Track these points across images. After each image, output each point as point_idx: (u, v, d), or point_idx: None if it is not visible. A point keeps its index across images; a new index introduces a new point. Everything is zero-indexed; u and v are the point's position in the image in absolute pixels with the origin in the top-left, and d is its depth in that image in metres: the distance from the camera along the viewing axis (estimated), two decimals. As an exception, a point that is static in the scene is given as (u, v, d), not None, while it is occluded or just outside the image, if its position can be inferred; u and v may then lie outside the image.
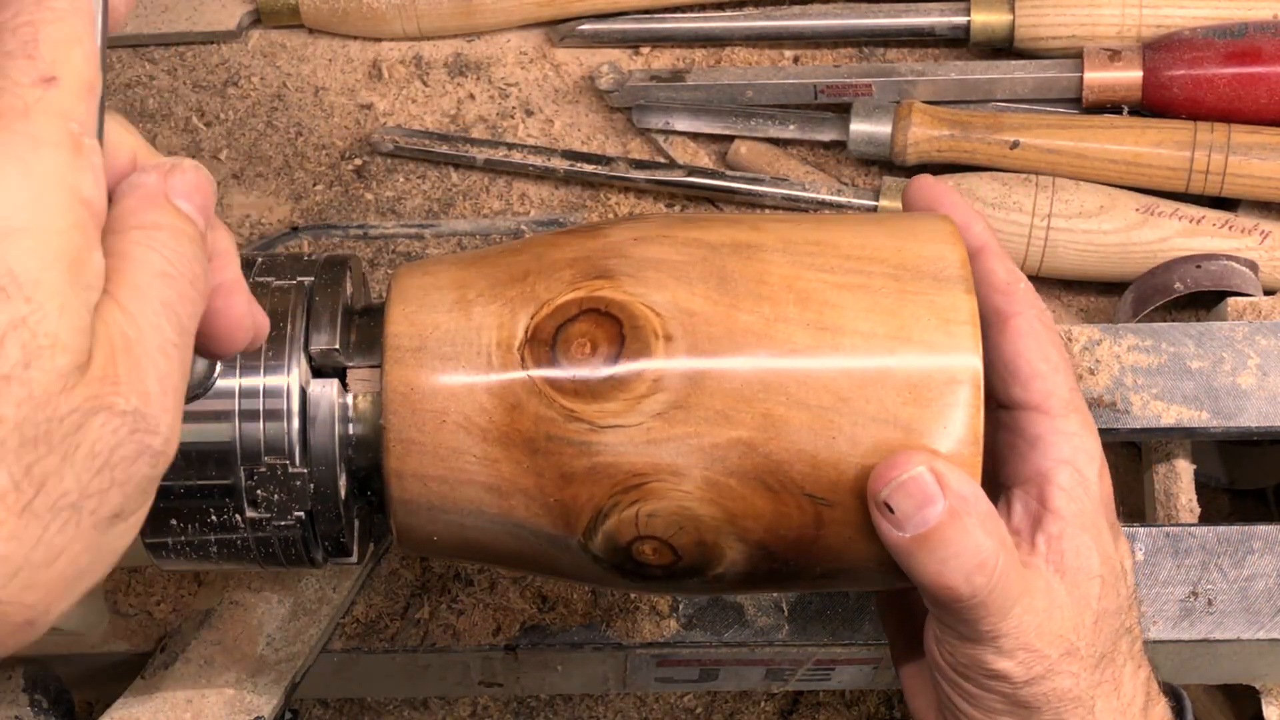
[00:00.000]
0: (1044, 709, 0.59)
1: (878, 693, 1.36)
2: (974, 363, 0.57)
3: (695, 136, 0.95)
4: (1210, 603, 0.77)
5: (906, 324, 0.57)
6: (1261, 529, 0.78)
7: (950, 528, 0.56)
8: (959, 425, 0.57)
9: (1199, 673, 0.87)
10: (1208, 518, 0.83)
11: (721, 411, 0.56)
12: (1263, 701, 0.92)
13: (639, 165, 0.93)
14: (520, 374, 0.57)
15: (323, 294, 0.60)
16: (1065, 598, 0.58)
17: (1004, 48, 0.94)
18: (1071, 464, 0.59)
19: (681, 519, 0.57)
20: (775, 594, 0.78)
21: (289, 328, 0.59)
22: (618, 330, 0.56)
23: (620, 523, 0.57)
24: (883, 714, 1.36)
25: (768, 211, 0.92)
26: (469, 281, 0.59)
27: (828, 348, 0.56)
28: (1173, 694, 0.67)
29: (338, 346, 0.59)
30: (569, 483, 0.57)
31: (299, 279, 0.60)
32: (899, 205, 0.89)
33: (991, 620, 0.57)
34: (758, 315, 0.56)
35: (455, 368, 0.57)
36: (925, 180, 0.64)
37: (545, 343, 0.57)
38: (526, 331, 0.57)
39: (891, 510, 0.56)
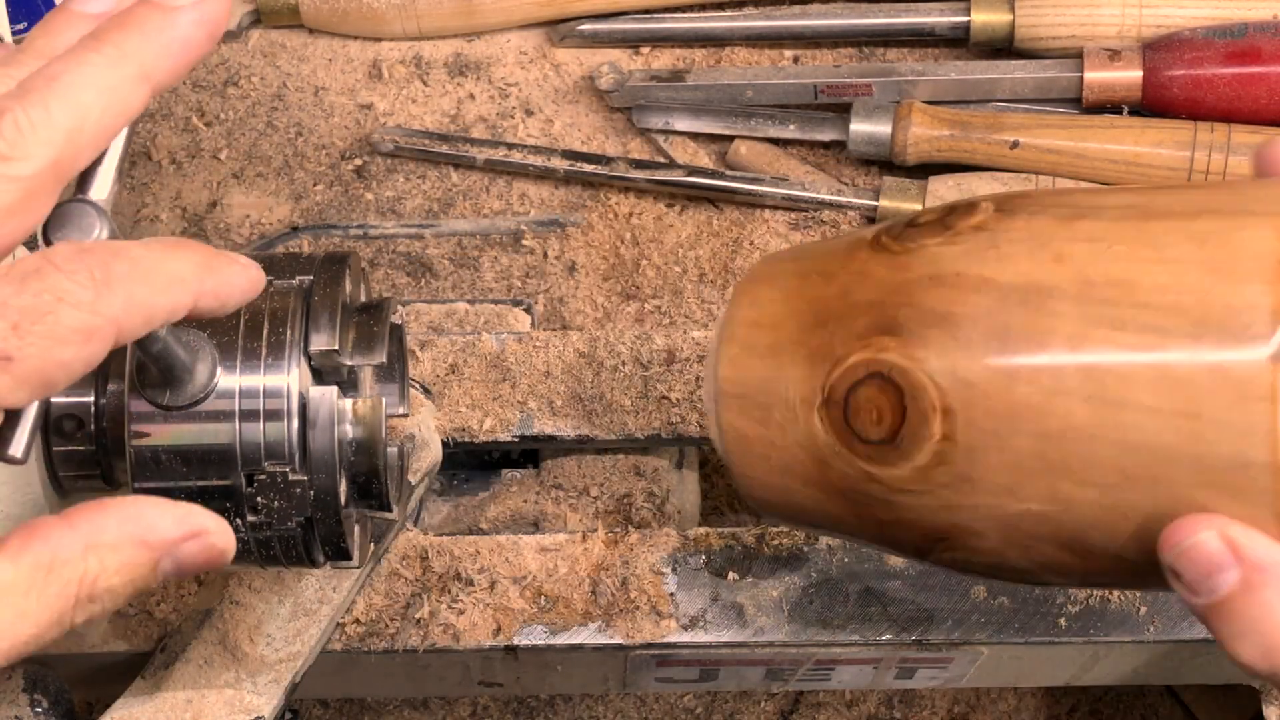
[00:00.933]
0: None
1: (878, 693, 1.36)
2: (1272, 453, 0.50)
3: (695, 136, 0.95)
4: (1210, 603, 0.77)
5: (1198, 398, 0.51)
6: (1261, 529, 0.78)
7: (1243, 600, 0.51)
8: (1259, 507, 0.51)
9: (1199, 673, 0.87)
10: (1208, 518, 0.83)
11: (1007, 486, 0.53)
12: (1263, 701, 0.92)
13: (639, 165, 0.93)
14: (822, 434, 0.57)
15: (321, 294, 0.60)
16: None
17: (1004, 48, 0.94)
18: None
19: (997, 565, 0.56)
20: (783, 590, 0.78)
21: (288, 331, 0.59)
22: (899, 400, 0.55)
23: (939, 560, 0.57)
24: (883, 714, 1.36)
25: (766, 212, 0.92)
26: (783, 320, 0.58)
27: (1110, 426, 0.52)
28: None
29: (336, 348, 0.59)
30: (884, 528, 0.57)
31: (298, 278, 0.60)
32: (899, 205, 0.89)
33: None
34: (1036, 387, 0.53)
35: (770, 420, 0.58)
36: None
37: (839, 405, 0.56)
38: (823, 391, 0.57)
39: (1179, 576, 0.51)
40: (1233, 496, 0.51)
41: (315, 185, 0.96)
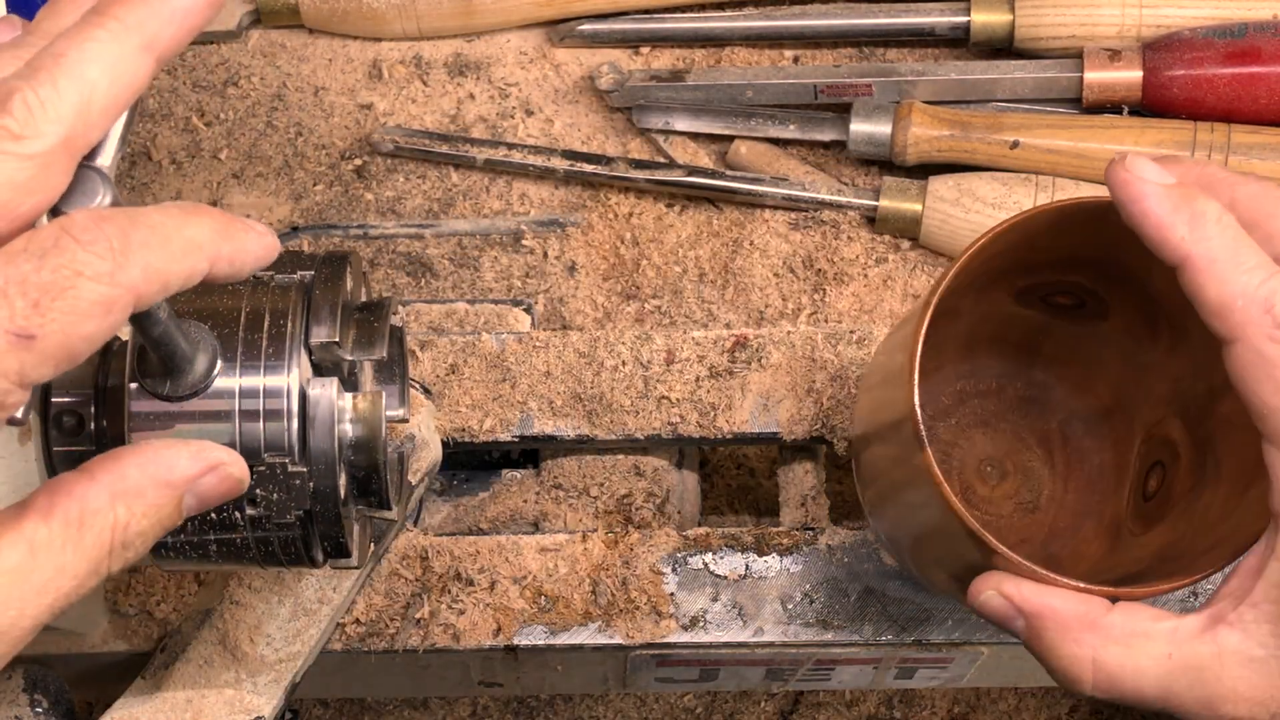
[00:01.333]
0: None
1: (878, 693, 1.36)
2: None
3: (695, 136, 0.95)
4: (1210, 603, 0.77)
5: None
6: (1261, 529, 0.78)
7: (1038, 645, 0.58)
8: None
9: (1199, 673, 0.87)
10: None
11: None
12: (1263, 701, 0.91)
13: (639, 165, 0.93)
14: None
15: (323, 289, 0.60)
16: (1272, 650, 0.54)
17: (1004, 48, 0.94)
18: None
19: None
20: (783, 590, 0.78)
21: (289, 324, 0.59)
22: None
23: None
24: (883, 714, 1.36)
25: (766, 212, 0.92)
26: None
27: None
28: None
29: (337, 339, 0.59)
30: None
31: (299, 273, 0.60)
32: (899, 205, 0.89)
33: (1163, 702, 0.56)
34: None
35: None
36: (1121, 173, 0.58)
37: None
38: None
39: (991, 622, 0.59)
40: None
41: (315, 185, 0.96)
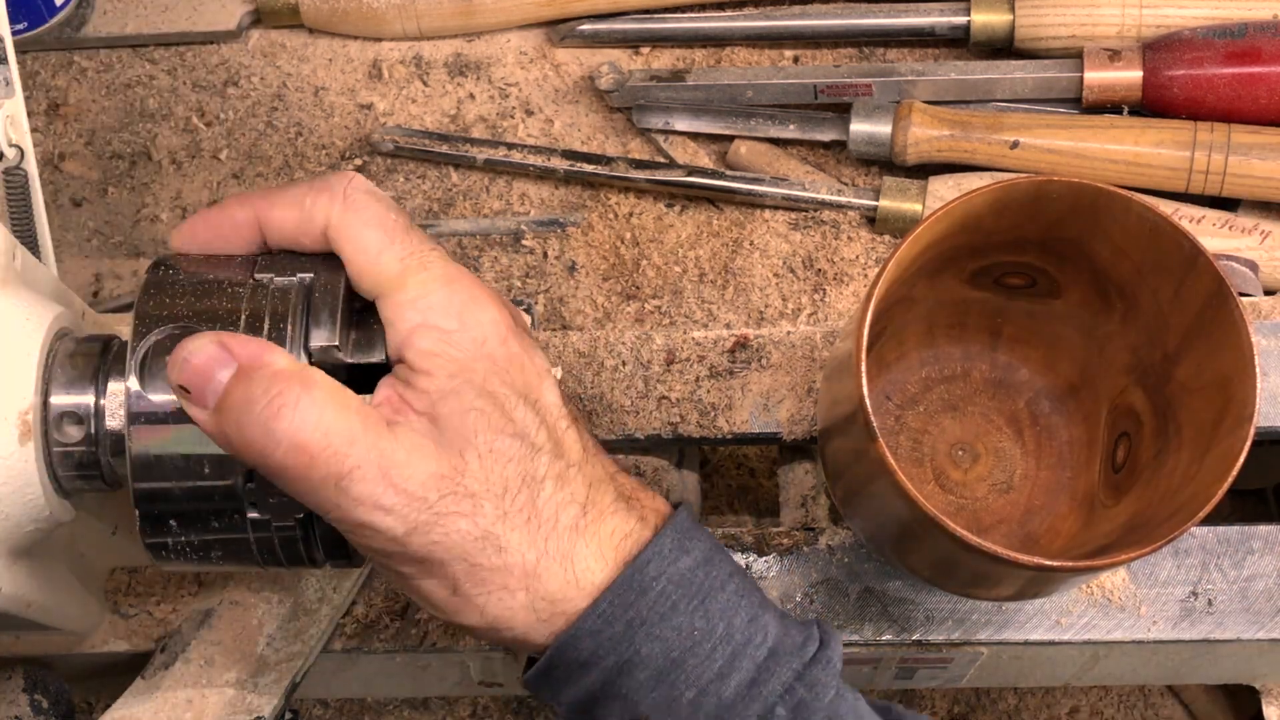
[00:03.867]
0: (451, 559, 0.58)
1: (878, 693, 1.36)
2: None
3: (695, 136, 0.95)
4: (1210, 603, 0.77)
5: None
6: (1261, 529, 0.78)
7: (241, 386, 0.56)
8: None
9: (1199, 673, 0.87)
10: (1207, 518, 0.83)
11: None
12: (1263, 701, 0.92)
13: (639, 165, 0.93)
14: None
15: (321, 292, 0.60)
16: (438, 443, 0.57)
17: (1004, 48, 0.94)
18: (424, 324, 0.59)
19: None
20: (783, 590, 0.78)
21: (289, 328, 0.59)
22: None
23: None
24: (883, 714, 1.36)
25: (766, 212, 0.92)
26: None
27: None
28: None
29: (337, 344, 0.59)
30: None
31: (298, 275, 0.60)
32: (899, 205, 0.89)
33: (343, 481, 0.56)
34: None
35: None
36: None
37: None
38: None
39: (188, 392, 0.56)
40: None
41: (315, 185, 0.96)
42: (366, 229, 0.60)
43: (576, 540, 0.60)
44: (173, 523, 0.59)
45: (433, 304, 0.59)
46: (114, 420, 0.60)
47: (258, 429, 0.55)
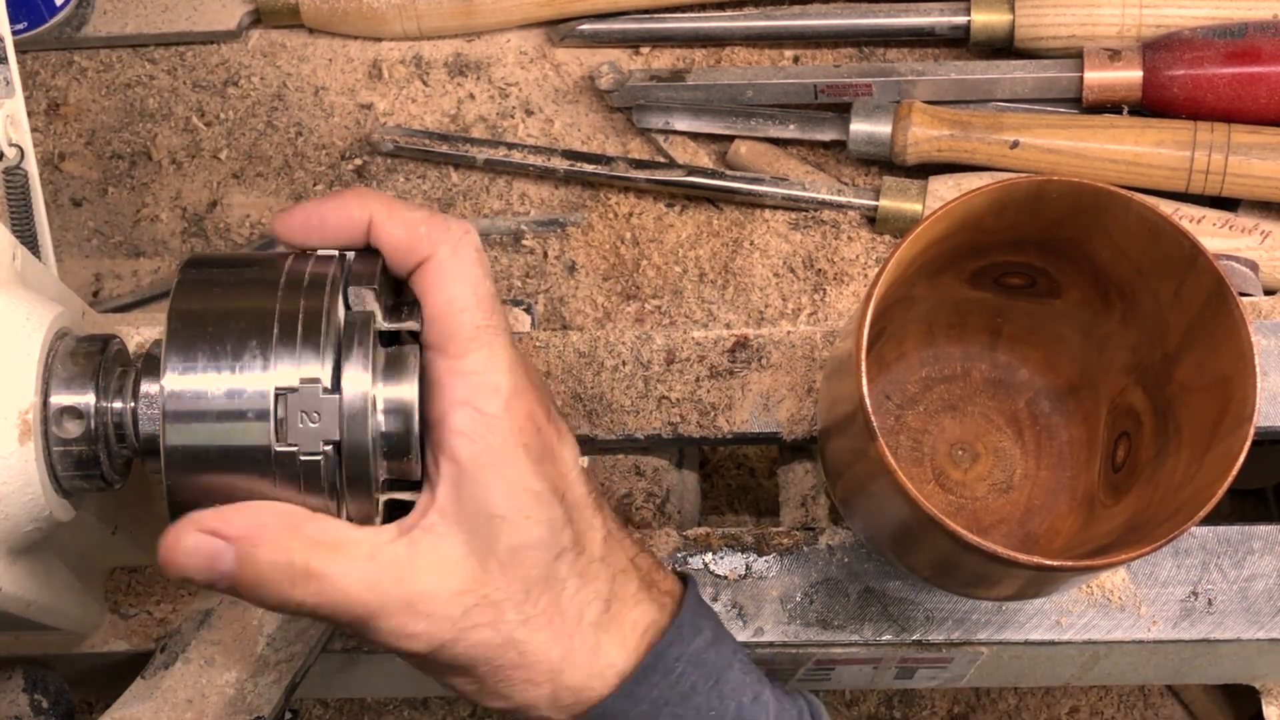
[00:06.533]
0: (475, 663, 0.59)
1: (878, 693, 1.36)
2: None
3: (695, 136, 0.95)
4: (1210, 603, 0.77)
5: None
6: (1261, 529, 0.78)
7: (248, 569, 0.57)
8: None
9: (1199, 673, 0.87)
10: (1207, 518, 0.83)
11: None
12: (1263, 701, 0.92)
13: (639, 165, 0.93)
14: None
15: (356, 275, 0.59)
16: (461, 550, 0.58)
17: (1004, 48, 0.94)
18: (470, 404, 0.58)
19: None
20: (783, 590, 0.78)
21: (323, 322, 0.58)
22: None
23: None
24: (883, 714, 1.36)
25: (766, 212, 0.92)
26: None
27: None
28: (682, 578, 0.67)
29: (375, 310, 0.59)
30: None
31: (330, 271, 0.60)
32: (899, 205, 0.89)
33: (371, 621, 0.58)
34: None
35: None
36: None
37: None
38: None
39: (195, 581, 0.58)
40: None
41: (315, 185, 0.96)
42: (463, 283, 0.59)
43: (601, 636, 0.61)
44: None
45: (485, 383, 0.59)
46: (113, 420, 0.60)
47: (276, 599, 0.58)
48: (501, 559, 0.59)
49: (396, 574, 0.58)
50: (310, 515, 0.58)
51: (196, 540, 0.57)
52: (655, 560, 0.66)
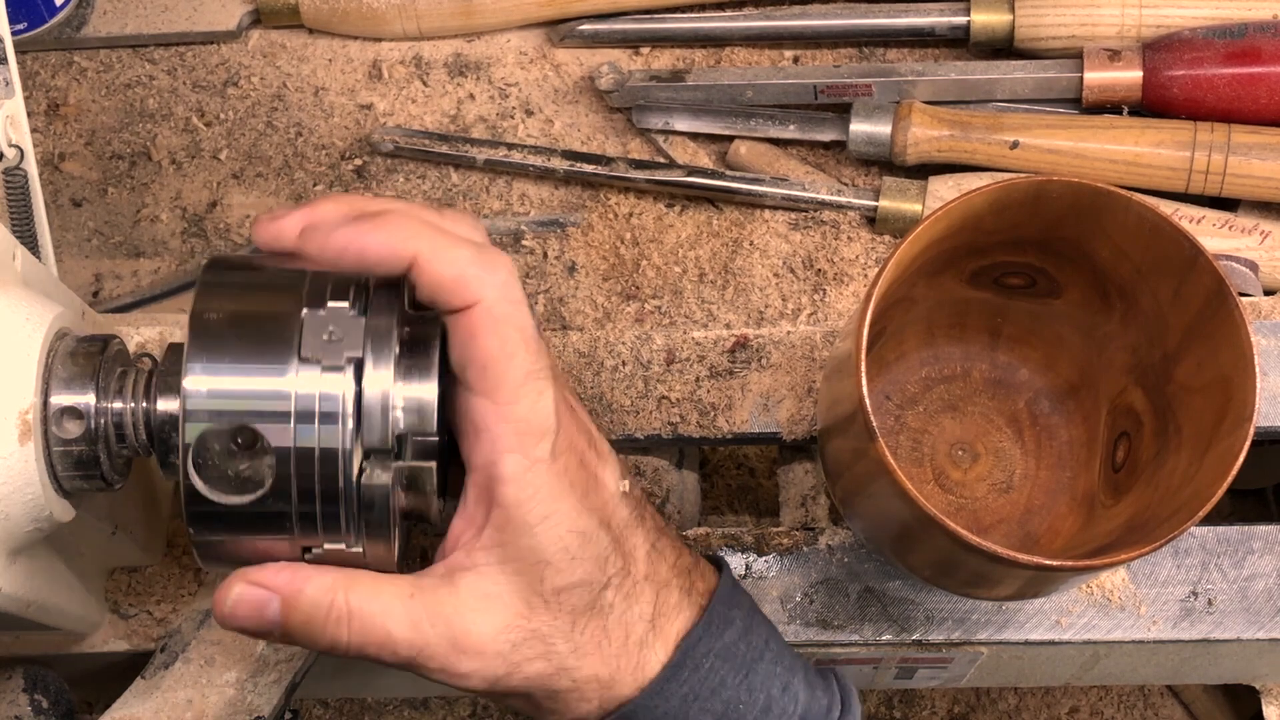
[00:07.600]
0: (530, 691, 0.61)
1: (878, 693, 1.36)
2: None
3: (695, 136, 0.95)
4: (1210, 603, 0.77)
5: None
6: (1261, 529, 0.78)
7: (296, 615, 0.59)
8: None
9: (1199, 673, 0.87)
10: (1207, 518, 0.83)
11: None
12: (1263, 701, 0.92)
13: (639, 165, 0.93)
14: None
15: (378, 291, 0.59)
16: (505, 590, 0.59)
17: (1004, 48, 0.94)
18: (519, 451, 0.58)
19: None
20: (783, 590, 0.78)
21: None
22: None
23: None
24: (883, 714, 1.36)
25: (766, 212, 0.92)
26: None
27: None
28: (716, 563, 0.68)
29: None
30: None
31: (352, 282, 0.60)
32: (899, 205, 0.89)
33: (419, 660, 0.59)
34: None
35: None
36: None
37: None
38: None
39: (249, 631, 0.60)
40: None
41: (315, 185, 0.96)
42: (512, 329, 0.57)
43: (646, 651, 0.62)
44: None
45: (533, 429, 0.58)
46: (113, 420, 0.60)
47: (325, 642, 0.59)
48: (547, 598, 0.60)
49: (438, 612, 0.59)
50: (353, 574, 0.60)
51: (242, 590, 0.59)
52: (694, 556, 0.66)
